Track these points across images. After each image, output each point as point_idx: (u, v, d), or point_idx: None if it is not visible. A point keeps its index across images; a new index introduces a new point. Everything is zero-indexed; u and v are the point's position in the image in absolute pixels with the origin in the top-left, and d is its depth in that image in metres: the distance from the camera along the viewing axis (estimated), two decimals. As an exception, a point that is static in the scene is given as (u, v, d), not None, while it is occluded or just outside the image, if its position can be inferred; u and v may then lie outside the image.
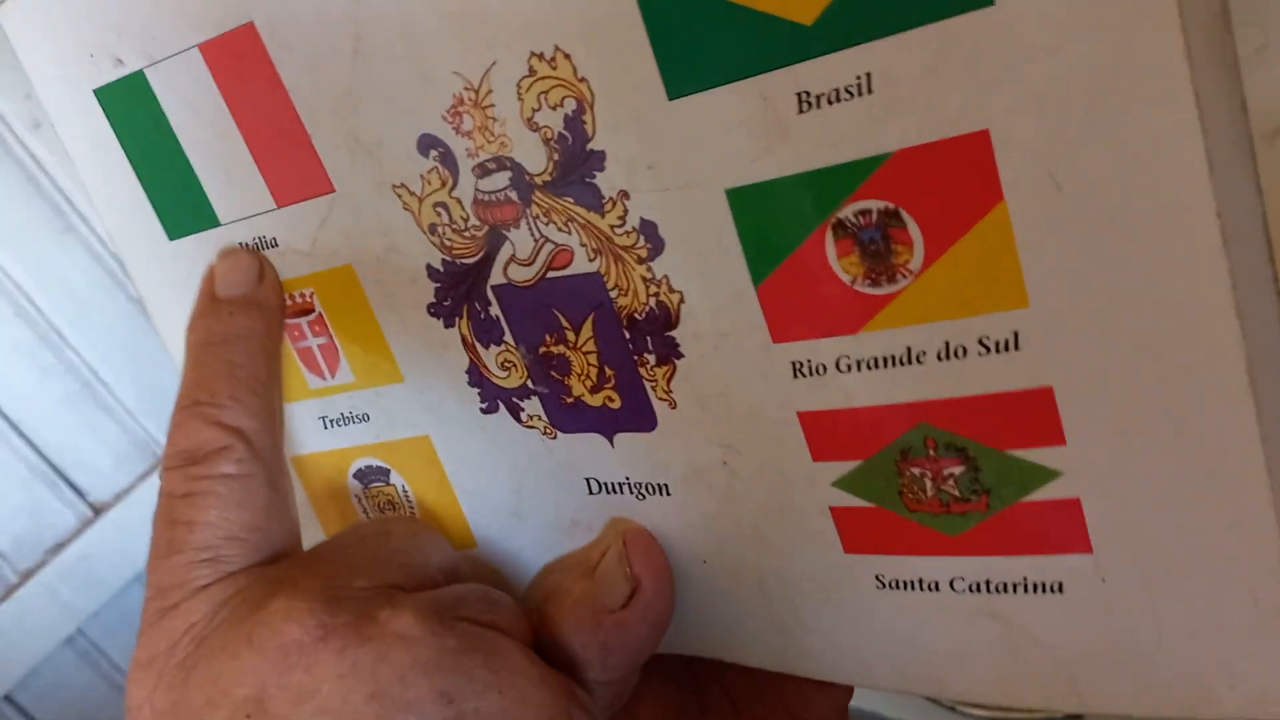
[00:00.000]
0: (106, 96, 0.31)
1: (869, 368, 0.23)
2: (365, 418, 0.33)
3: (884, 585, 0.26)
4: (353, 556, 0.28)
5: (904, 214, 0.21)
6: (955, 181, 0.20)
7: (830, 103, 0.21)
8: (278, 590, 0.25)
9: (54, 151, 0.93)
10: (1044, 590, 0.23)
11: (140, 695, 0.25)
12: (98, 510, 0.97)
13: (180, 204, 0.32)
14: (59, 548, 0.95)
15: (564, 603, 0.29)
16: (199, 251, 0.32)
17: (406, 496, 0.34)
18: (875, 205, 0.22)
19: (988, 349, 0.21)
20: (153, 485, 0.97)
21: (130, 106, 0.31)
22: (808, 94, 0.21)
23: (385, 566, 0.27)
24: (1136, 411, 0.21)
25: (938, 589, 0.25)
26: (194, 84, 0.29)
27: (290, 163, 0.29)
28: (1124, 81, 0.18)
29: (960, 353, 0.22)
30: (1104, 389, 0.21)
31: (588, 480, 0.30)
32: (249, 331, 0.30)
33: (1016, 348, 0.21)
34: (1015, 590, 0.24)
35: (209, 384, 0.28)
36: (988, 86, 0.19)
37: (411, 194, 0.28)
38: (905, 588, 0.25)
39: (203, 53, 0.29)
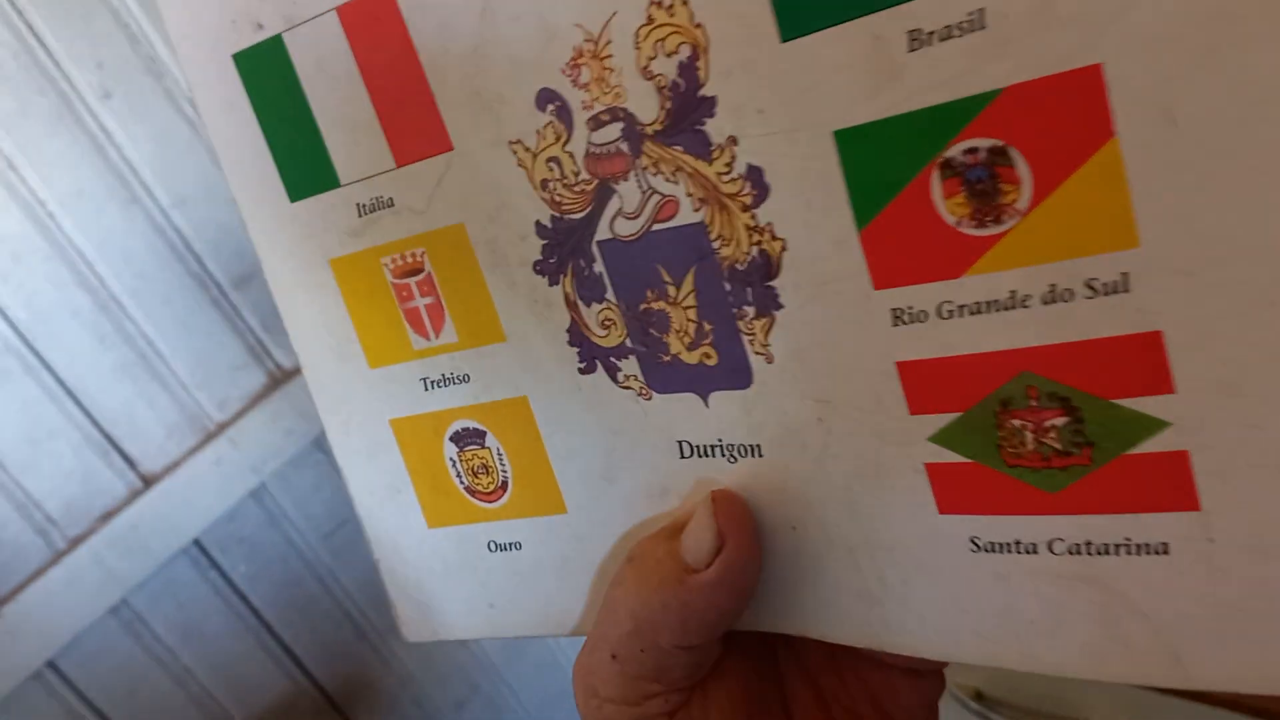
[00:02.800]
0: (244, 61, 0.33)
1: (971, 313, 0.23)
2: (466, 378, 0.34)
3: (979, 548, 0.26)
4: None
5: (1012, 152, 0.21)
6: (1065, 117, 0.21)
7: (941, 40, 0.21)
8: None
9: (122, 122, 0.95)
10: (1147, 552, 0.23)
11: None
12: (148, 481, 0.99)
13: (303, 165, 0.34)
14: (108, 516, 0.96)
15: (647, 563, 0.29)
16: (316, 213, 0.34)
17: (500, 459, 0.35)
18: (983, 144, 0.22)
19: (1095, 291, 0.21)
20: (203, 458, 0.99)
21: (266, 70, 0.32)
22: (919, 31, 0.22)
23: None
24: (1251, 362, 0.21)
25: (1035, 551, 0.25)
26: (328, 46, 0.31)
27: (413, 122, 0.31)
28: (1240, 14, 0.18)
29: (1067, 296, 0.22)
30: (1216, 336, 0.21)
31: (680, 444, 0.30)
32: None
33: (1126, 290, 0.21)
34: (1117, 552, 0.24)
35: None
36: (1101, 20, 0.19)
37: (526, 150, 0.29)
38: (1001, 550, 0.25)
39: (339, 15, 0.30)
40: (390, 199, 0.32)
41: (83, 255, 0.95)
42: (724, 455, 0.30)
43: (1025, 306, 0.22)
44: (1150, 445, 0.22)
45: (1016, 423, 0.24)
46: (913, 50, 0.22)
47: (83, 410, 0.96)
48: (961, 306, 0.23)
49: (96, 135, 0.95)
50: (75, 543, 0.95)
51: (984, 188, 0.22)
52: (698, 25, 0.24)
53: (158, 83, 0.97)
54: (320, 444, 1.11)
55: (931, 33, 0.21)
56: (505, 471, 0.35)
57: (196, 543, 1.03)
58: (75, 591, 0.94)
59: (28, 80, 0.91)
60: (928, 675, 0.32)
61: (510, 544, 0.36)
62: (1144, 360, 0.21)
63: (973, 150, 0.22)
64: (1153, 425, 0.22)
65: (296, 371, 1.07)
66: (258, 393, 1.05)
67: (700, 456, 0.30)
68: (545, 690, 1.34)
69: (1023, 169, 0.21)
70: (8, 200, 0.91)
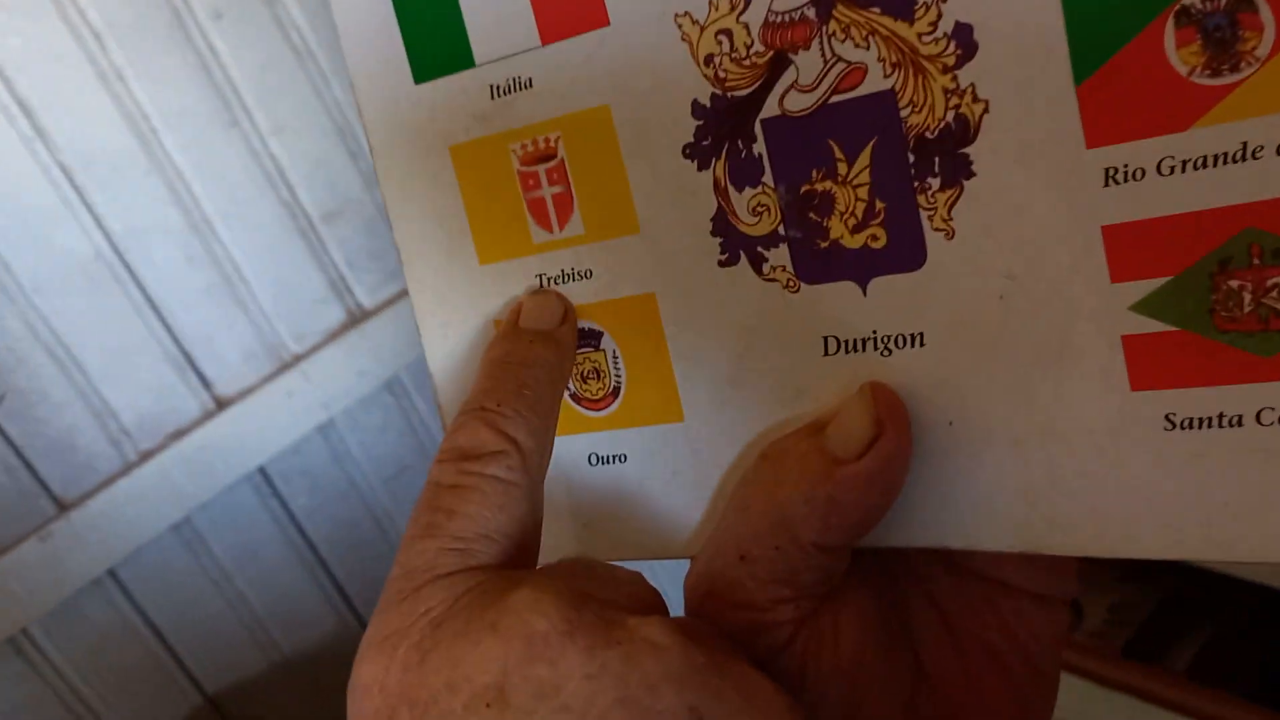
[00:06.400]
0: None
1: (1195, 168, 0.22)
2: (588, 274, 0.33)
3: (1174, 426, 0.25)
4: (575, 572, 0.28)
5: None
6: None
7: None
8: (520, 584, 0.25)
9: (230, 45, 0.97)
10: None
11: (370, 674, 0.25)
12: (221, 403, 1.00)
13: (436, 44, 0.33)
14: (179, 434, 0.98)
15: (788, 458, 0.28)
16: (443, 95, 0.33)
17: (615, 362, 0.34)
18: None
19: None
20: (276, 388, 1.00)
21: None
22: None
23: (607, 586, 0.28)
24: None
25: (1240, 424, 0.24)
26: None
27: None
28: None
29: None
30: None
31: (826, 339, 0.29)
32: (544, 360, 0.32)
33: None
34: None
35: (498, 394, 0.30)
36: None
37: (694, 23, 0.28)
38: (1200, 426, 0.24)
39: None
40: (529, 80, 0.32)
41: (180, 174, 0.96)
42: (878, 348, 0.28)
43: (1256, 158, 0.22)
44: None
45: (1234, 283, 0.23)
46: None
47: (165, 327, 0.97)
48: (1185, 162, 0.23)
49: (205, 55, 0.96)
50: (146, 456, 0.96)
51: (1222, 35, 0.21)
52: None
53: (268, 8, 0.98)
54: (390, 387, 1.11)
55: None
56: (619, 376, 0.34)
57: (261, 470, 1.04)
58: (141, 504, 0.95)
59: (145, -7, 0.92)
60: (1057, 604, 0.31)
61: (614, 456, 0.34)
62: None
63: None
64: None
65: (375, 312, 1.08)
66: (335, 329, 1.06)
67: (848, 352, 0.29)
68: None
69: (1266, 14, 0.21)
70: (114, 112, 0.92)
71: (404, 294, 1.08)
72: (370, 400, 1.10)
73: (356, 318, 1.08)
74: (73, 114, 0.91)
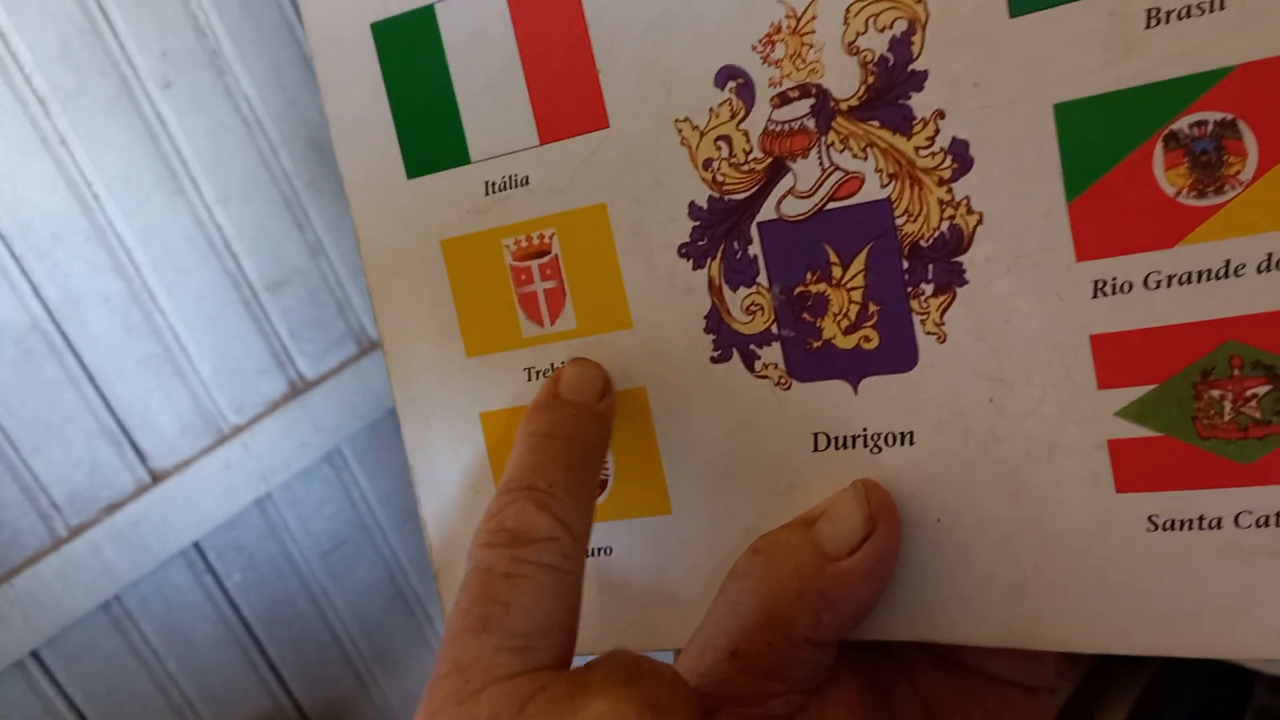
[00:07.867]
0: (383, 31, 0.33)
1: (1181, 283, 0.24)
2: None
3: (1157, 527, 0.26)
4: (629, 671, 0.27)
5: (1241, 125, 0.23)
6: None
7: (1180, 18, 0.23)
8: (589, 690, 0.24)
9: (179, 113, 0.97)
10: None
11: None
12: (156, 477, 0.98)
13: (431, 141, 0.33)
14: (113, 509, 0.96)
15: (780, 551, 0.28)
16: (436, 191, 0.34)
17: None
18: (1213, 117, 0.23)
19: None
20: (214, 460, 0.98)
21: (407, 41, 0.33)
22: (1158, 10, 0.23)
23: (662, 684, 0.27)
24: None
25: (1219, 526, 0.25)
26: (485, 14, 0.31)
27: (567, 98, 0.31)
28: None
29: None
30: None
31: (816, 436, 0.30)
32: (589, 436, 0.30)
33: None
34: None
35: (547, 472, 0.29)
36: None
37: (694, 128, 0.29)
38: (1182, 528, 0.25)
39: None
40: (525, 178, 0.32)
41: (122, 241, 0.95)
42: (868, 445, 0.29)
43: (1239, 275, 0.23)
44: None
45: (1216, 393, 0.24)
46: (1150, 27, 0.23)
47: (101, 398, 0.95)
48: (1171, 277, 0.24)
49: (151, 122, 0.96)
50: (76, 532, 0.94)
51: (1208, 159, 0.23)
52: (919, 1, 0.26)
53: (218, 78, 0.98)
54: (331, 459, 1.10)
55: (1170, 11, 0.23)
56: (606, 469, 0.34)
57: (196, 545, 1.02)
58: (70, 582, 0.93)
59: (91, 60, 0.92)
60: (1040, 693, 0.32)
61: (600, 549, 0.34)
62: None
63: (1201, 123, 0.23)
64: None
65: (317, 382, 1.07)
66: (276, 400, 1.05)
67: (838, 449, 0.30)
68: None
69: (1250, 141, 0.23)
70: (55, 177, 0.91)
71: (346, 365, 1.08)
72: (309, 473, 1.08)
73: (299, 388, 1.07)
74: (13, 179, 0.89)
